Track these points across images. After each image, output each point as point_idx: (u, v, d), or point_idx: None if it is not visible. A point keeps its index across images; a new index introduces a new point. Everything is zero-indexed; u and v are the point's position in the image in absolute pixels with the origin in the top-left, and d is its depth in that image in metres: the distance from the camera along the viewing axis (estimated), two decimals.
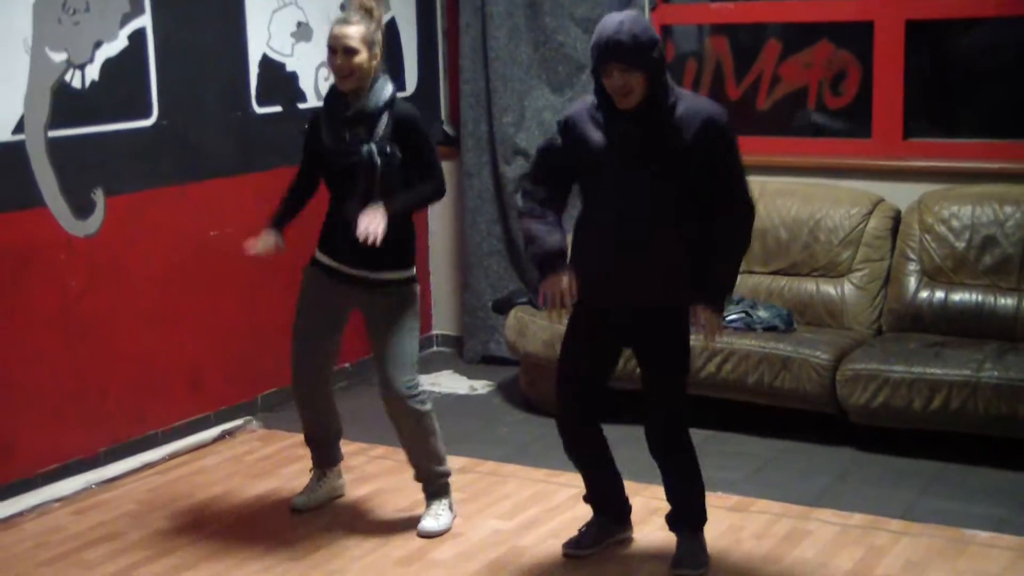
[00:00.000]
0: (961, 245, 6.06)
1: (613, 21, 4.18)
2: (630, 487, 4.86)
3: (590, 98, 4.37)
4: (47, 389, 5.46)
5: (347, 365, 6.78)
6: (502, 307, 6.65)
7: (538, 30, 7.02)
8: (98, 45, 5.59)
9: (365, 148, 4.75)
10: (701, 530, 4.66)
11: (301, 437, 5.31)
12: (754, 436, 5.93)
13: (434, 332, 7.68)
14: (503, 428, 6.28)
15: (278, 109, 6.48)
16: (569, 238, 4.48)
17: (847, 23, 6.70)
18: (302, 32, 6.59)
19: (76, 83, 5.50)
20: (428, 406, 4.97)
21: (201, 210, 6.10)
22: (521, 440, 6.07)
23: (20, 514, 5.25)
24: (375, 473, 5.63)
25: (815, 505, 5.18)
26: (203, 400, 6.18)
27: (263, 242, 5.03)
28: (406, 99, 6.84)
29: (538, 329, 6.24)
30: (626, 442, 4.93)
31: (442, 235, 7.54)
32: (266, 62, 6.42)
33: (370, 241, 4.64)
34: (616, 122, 4.26)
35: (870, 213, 6.30)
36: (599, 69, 4.18)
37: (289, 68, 6.56)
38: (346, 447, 5.42)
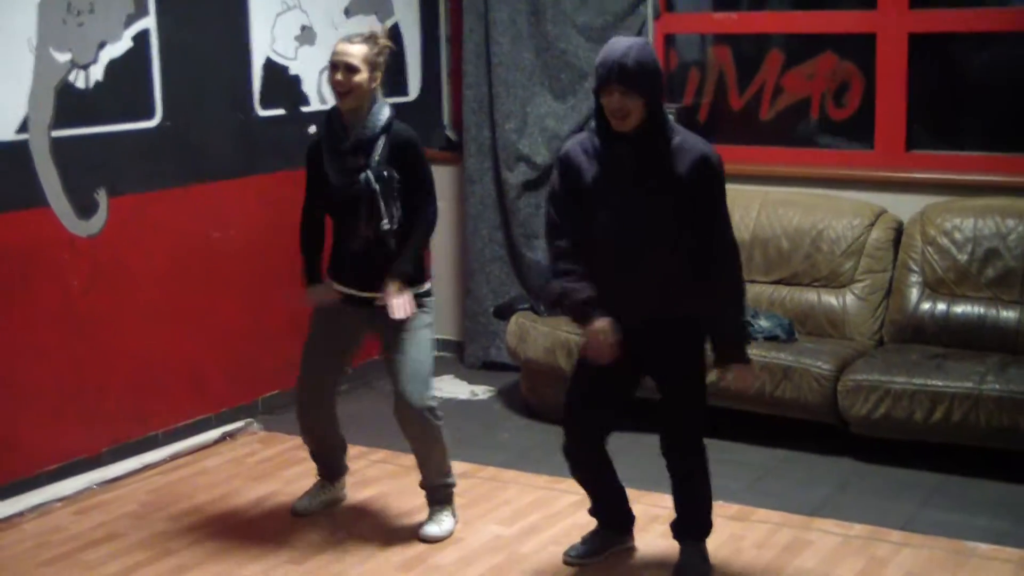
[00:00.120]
0: (963, 257, 6.06)
1: (622, 44, 4.24)
2: (632, 494, 4.86)
3: (584, 135, 4.42)
4: (49, 388, 5.46)
5: (348, 369, 6.75)
6: (503, 313, 6.65)
7: (541, 37, 7.02)
8: (102, 46, 5.58)
9: (363, 176, 4.76)
10: (704, 540, 4.66)
11: (301, 440, 5.30)
12: (755, 445, 5.92)
13: (435, 337, 7.65)
14: (504, 434, 6.28)
15: (281, 112, 6.48)
16: None
17: (850, 35, 6.72)
18: (306, 36, 6.59)
19: (80, 83, 5.50)
20: (441, 422, 4.98)
21: (204, 212, 6.10)
22: (522, 446, 6.07)
23: (21, 514, 5.25)
24: (376, 477, 5.63)
25: (816, 515, 5.18)
26: (204, 401, 6.17)
27: (315, 293, 5.01)
28: (409, 104, 6.88)
29: (539, 335, 6.24)
30: (630, 449, 4.93)
31: (444, 241, 7.53)
32: (269, 65, 6.42)
33: (407, 316, 4.75)
34: (612, 144, 4.30)
35: (872, 224, 6.31)
36: (601, 89, 4.23)
37: (292, 71, 6.56)
38: (348, 451, 5.41)
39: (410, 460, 5.43)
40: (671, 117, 4.38)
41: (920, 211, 6.26)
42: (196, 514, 5.28)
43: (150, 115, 5.84)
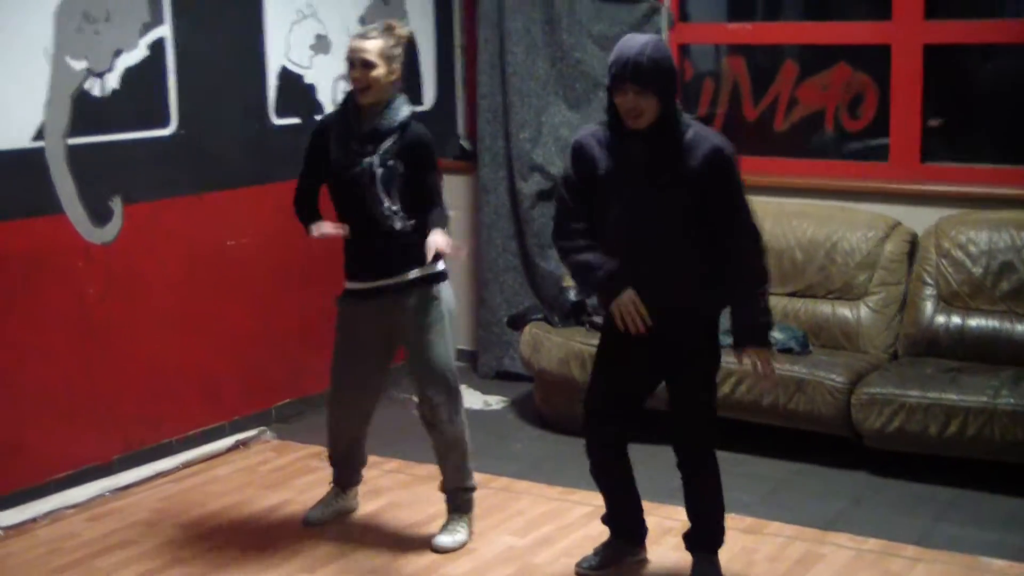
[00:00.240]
0: (978, 271, 6.05)
1: (636, 42, 4.21)
2: (645, 506, 4.84)
3: (598, 126, 4.40)
4: (63, 395, 5.46)
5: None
6: (517, 323, 6.64)
7: (556, 46, 7.03)
8: (118, 54, 5.60)
9: (367, 160, 4.76)
10: (716, 552, 4.65)
11: (315, 449, 5.33)
12: (768, 458, 5.91)
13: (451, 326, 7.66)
14: (517, 444, 6.27)
15: (296, 121, 6.48)
16: None
17: (865, 46, 6.71)
18: (321, 45, 6.60)
19: (96, 91, 5.51)
20: (462, 421, 4.98)
21: (218, 220, 6.10)
22: (535, 456, 6.07)
23: (34, 520, 5.25)
24: (388, 486, 5.62)
25: (829, 529, 5.17)
26: (218, 409, 6.18)
27: (319, 227, 4.92)
28: (424, 114, 6.87)
29: (553, 346, 6.24)
30: (644, 461, 4.91)
31: (463, 253, 7.53)
32: (285, 74, 6.43)
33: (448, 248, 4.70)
34: (624, 141, 4.29)
35: (887, 237, 6.29)
36: (614, 87, 4.21)
37: (307, 80, 6.57)
38: (364, 470, 5.41)
39: (423, 470, 5.45)
40: (684, 114, 4.32)
41: (935, 224, 6.24)
42: (208, 522, 5.28)
43: (165, 123, 5.85)
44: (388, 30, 4.82)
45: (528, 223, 7.13)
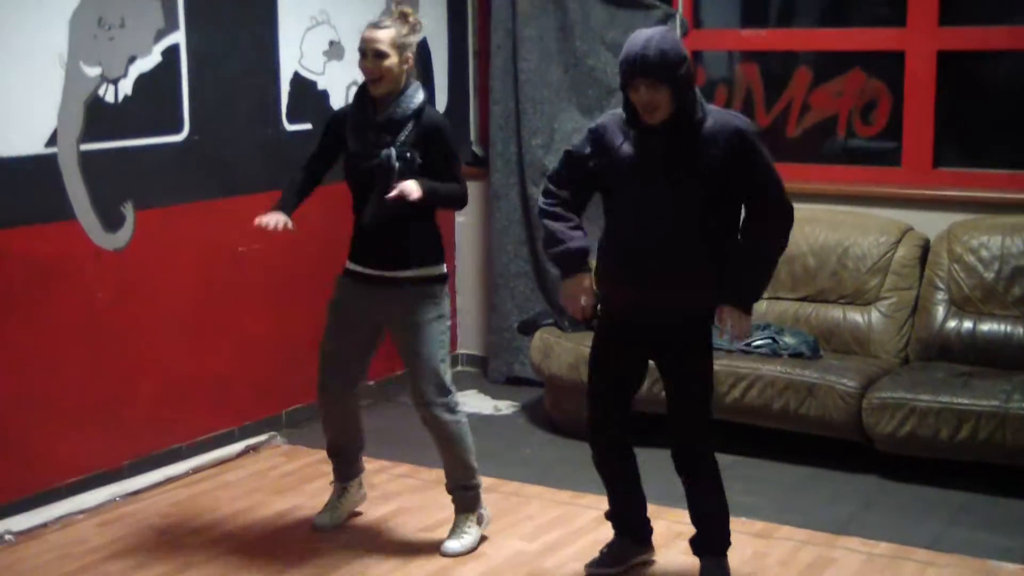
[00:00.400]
0: (990, 275, 6.04)
1: (642, 37, 4.20)
2: (654, 510, 4.85)
3: (620, 111, 4.38)
4: (74, 400, 5.48)
5: (371, 383, 6.78)
6: (528, 328, 6.65)
7: (569, 53, 7.04)
8: (132, 60, 5.61)
9: (384, 152, 4.75)
10: (725, 555, 4.64)
11: (325, 454, 5.31)
12: (779, 463, 5.91)
13: (459, 352, 7.69)
14: (527, 449, 6.27)
15: (308, 127, 6.49)
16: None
17: (878, 52, 6.70)
18: (334, 51, 6.61)
19: (109, 97, 5.53)
20: (457, 416, 4.96)
21: (230, 225, 6.11)
22: (545, 461, 6.06)
23: (44, 525, 5.25)
24: (397, 491, 5.62)
25: (840, 533, 5.16)
26: (228, 414, 6.19)
27: (272, 216, 4.92)
28: None
29: (563, 351, 6.24)
30: (652, 465, 4.91)
31: (469, 256, 7.56)
32: (297, 80, 6.45)
33: (399, 196, 4.65)
34: (643, 136, 4.28)
35: (898, 241, 6.29)
36: (626, 84, 4.20)
37: (320, 86, 6.58)
38: (369, 465, 5.42)
39: (432, 475, 5.45)
40: (702, 100, 4.28)
41: (947, 228, 6.24)
42: (218, 527, 5.28)
43: (178, 129, 5.87)
44: (401, 18, 4.81)
45: (539, 229, 7.07)
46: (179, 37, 5.81)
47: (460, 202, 5.00)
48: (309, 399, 6.25)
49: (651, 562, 4.85)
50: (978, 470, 5.58)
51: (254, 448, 6.19)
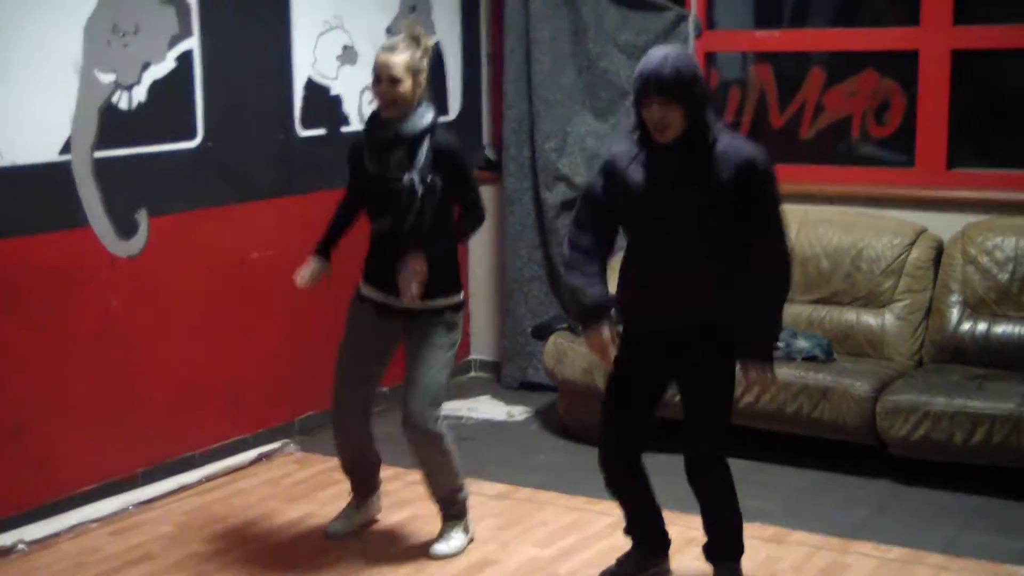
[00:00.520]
0: (1004, 277, 6.02)
1: (658, 55, 4.19)
2: (667, 516, 4.83)
3: (628, 142, 4.38)
4: (87, 408, 5.49)
5: (384, 389, 6.77)
6: (541, 333, 6.64)
7: (582, 56, 7.03)
8: (146, 67, 5.62)
9: (407, 177, 4.76)
10: (738, 561, 4.63)
11: (336, 461, 5.31)
12: (792, 467, 5.90)
13: (472, 357, 7.69)
14: (540, 455, 6.27)
15: (322, 132, 6.51)
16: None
17: (892, 52, 6.68)
18: (347, 56, 6.62)
19: (123, 104, 5.54)
20: (444, 432, 4.97)
21: (244, 232, 6.13)
22: (558, 467, 6.06)
23: (57, 534, 5.27)
24: (411, 499, 5.62)
25: (854, 537, 5.15)
26: (241, 422, 6.20)
27: (311, 272, 5.05)
28: (449, 124, 6.90)
29: (577, 356, 6.23)
30: (665, 471, 4.90)
31: (482, 260, 7.56)
32: (311, 85, 6.45)
33: (412, 298, 4.77)
34: (653, 155, 4.27)
35: (912, 243, 6.27)
36: (639, 100, 4.19)
37: (334, 92, 6.59)
38: (383, 472, 5.41)
39: None
40: (717, 123, 4.27)
41: (961, 230, 6.22)
42: (231, 535, 5.30)
43: (192, 135, 5.87)
44: (414, 41, 4.81)
45: (553, 233, 7.13)
46: (193, 43, 5.82)
47: (477, 224, 5.03)
48: (322, 406, 6.25)
49: (666, 571, 4.84)
50: (992, 474, 5.56)
51: (267, 456, 6.20)
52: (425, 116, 4.83)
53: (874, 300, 6.27)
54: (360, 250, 5.02)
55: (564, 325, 6.54)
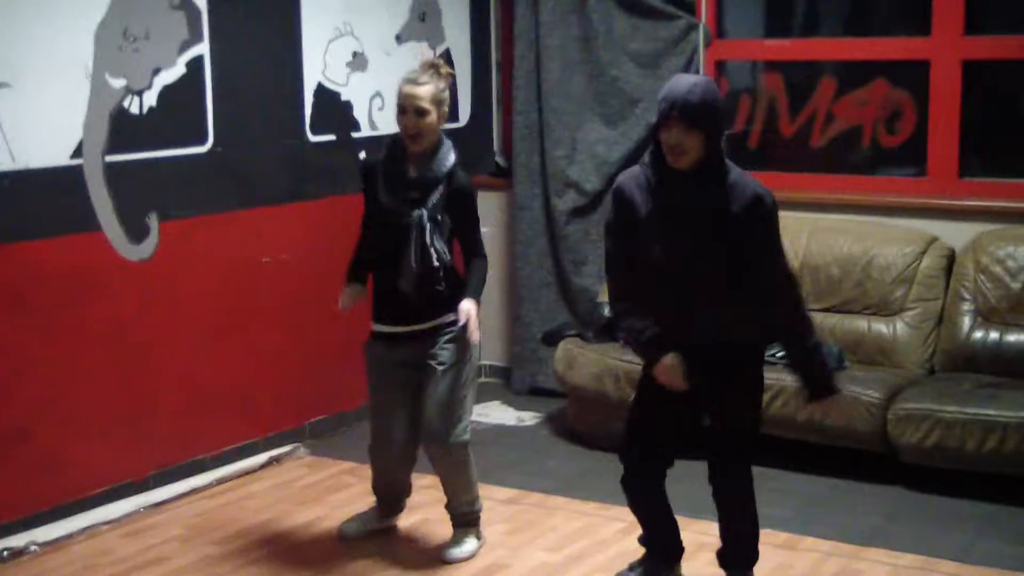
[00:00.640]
0: (1017, 286, 6.01)
1: (687, 80, 4.22)
2: (680, 521, 4.82)
3: (638, 169, 4.39)
4: (98, 412, 5.49)
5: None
6: (551, 339, 6.64)
7: (592, 63, 7.03)
8: (156, 72, 5.62)
9: (416, 214, 4.79)
10: (751, 569, 4.62)
11: (348, 465, 5.35)
12: (804, 474, 5.88)
13: (483, 363, 7.67)
14: (550, 460, 6.26)
15: (332, 138, 6.51)
16: None
17: (903, 62, 6.68)
18: (357, 62, 6.62)
19: (134, 109, 5.54)
20: (464, 448, 5.02)
21: (254, 237, 6.13)
22: (569, 472, 6.05)
23: (69, 536, 5.27)
24: (422, 503, 5.59)
25: (865, 544, 5.14)
26: (252, 426, 6.19)
27: (348, 296, 5.03)
28: (459, 130, 6.91)
29: (587, 362, 6.23)
30: (680, 476, 4.88)
31: (492, 267, 7.49)
32: (321, 91, 6.45)
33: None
34: (667, 181, 4.26)
35: (924, 252, 6.26)
36: (660, 123, 4.19)
37: (344, 97, 6.59)
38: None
39: None
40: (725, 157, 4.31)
41: (973, 239, 6.21)
42: (242, 538, 5.29)
43: (202, 140, 5.88)
44: (436, 72, 4.85)
45: (563, 240, 7.13)
46: (203, 49, 5.82)
47: (486, 267, 5.05)
48: (332, 410, 6.28)
49: None
50: (1005, 482, 5.54)
51: (277, 459, 6.20)
52: (448, 158, 4.86)
53: (885, 308, 6.26)
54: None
55: (574, 331, 6.54)
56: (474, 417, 6.72)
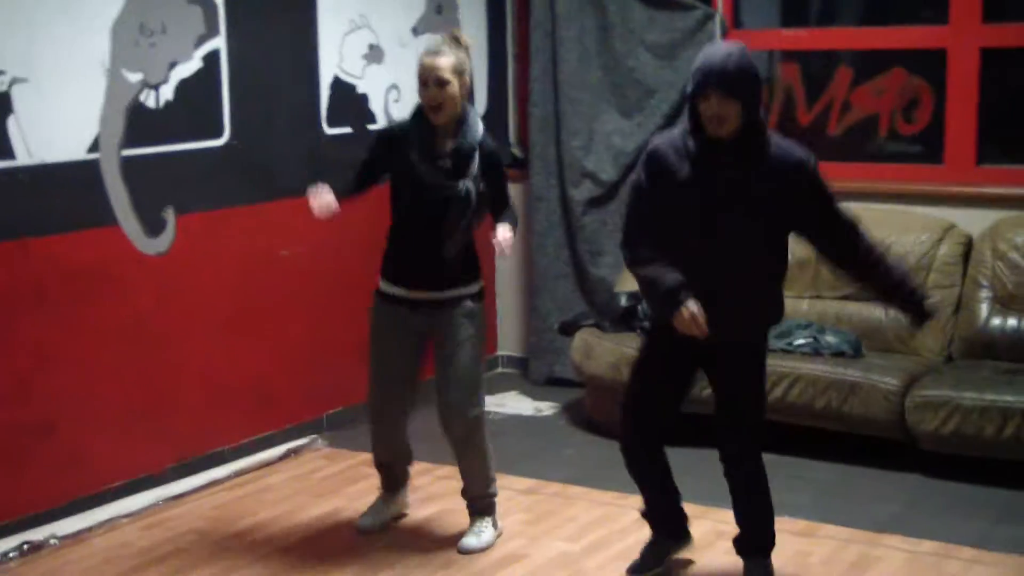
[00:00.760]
0: None
1: (723, 49, 4.22)
2: (697, 510, 4.84)
3: (676, 131, 4.35)
4: (117, 405, 5.51)
5: (420, 376, 6.79)
6: (568, 329, 6.64)
7: (608, 55, 7.03)
8: (173, 66, 5.64)
9: (462, 186, 4.79)
10: (769, 556, 4.61)
11: (367, 456, 5.33)
12: (822, 461, 5.88)
13: (500, 353, 7.69)
14: (568, 450, 6.27)
15: (348, 130, 6.52)
16: None
17: (920, 51, 6.66)
18: (373, 54, 6.63)
19: (151, 103, 5.56)
20: (482, 423, 5.03)
21: (271, 230, 6.14)
22: (587, 462, 6.05)
23: (89, 529, 5.29)
24: (440, 493, 5.62)
25: (884, 531, 5.13)
26: (270, 418, 6.21)
27: (322, 202, 4.92)
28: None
29: (604, 351, 6.23)
30: (695, 465, 4.90)
31: (509, 258, 7.53)
32: (337, 83, 6.47)
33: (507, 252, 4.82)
34: (707, 151, 4.23)
35: (941, 239, 6.25)
36: (698, 93, 4.16)
37: (360, 90, 6.60)
38: (412, 467, 5.41)
39: None
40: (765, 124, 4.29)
41: (990, 226, 6.20)
42: (261, 531, 5.30)
43: (218, 134, 5.89)
44: (456, 43, 4.84)
45: (579, 230, 7.14)
46: (219, 42, 5.84)
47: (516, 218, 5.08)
48: (350, 402, 6.28)
49: (690, 561, 4.83)
50: (1023, 468, 5.53)
51: (295, 451, 6.21)
52: (477, 127, 4.86)
53: None
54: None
55: (591, 321, 6.54)
56: (492, 407, 6.81)
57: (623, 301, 6.35)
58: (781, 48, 7.12)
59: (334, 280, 6.40)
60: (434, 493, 5.63)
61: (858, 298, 6.31)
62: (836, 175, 6.59)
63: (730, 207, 4.24)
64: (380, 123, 6.63)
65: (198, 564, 4.98)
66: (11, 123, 5.03)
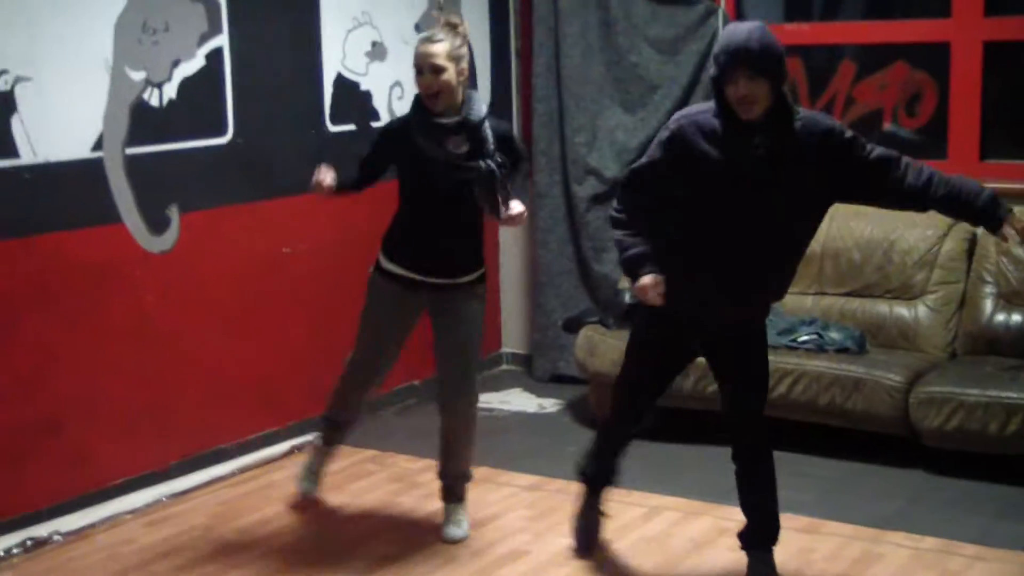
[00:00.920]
0: None
1: (743, 29, 4.11)
2: (700, 507, 4.85)
3: (700, 111, 4.28)
4: (121, 402, 5.52)
5: (416, 383, 6.80)
6: (572, 326, 6.64)
7: (611, 50, 7.03)
8: (176, 64, 5.64)
9: (484, 164, 4.77)
10: (771, 550, 4.62)
11: (370, 453, 5.36)
12: (825, 458, 5.87)
13: (504, 350, 7.69)
14: (572, 447, 6.23)
15: (352, 128, 6.52)
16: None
17: (923, 44, 6.65)
18: (376, 52, 6.63)
19: (154, 101, 5.56)
20: (474, 411, 5.10)
21: (274, 227, 6.15)
22: None
23: (92, 525, 5.30)
24: None
25: (887, 528, 5.13)
26: (273, 415, 6.22)
27: (326, 181, 4.96)
28: None
29: (608, 348, 6.23)
30: (697, 462, 4.91)
31: (513, 254, 7.55)
32: (340, 81, 6.47)
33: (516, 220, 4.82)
34: (737, 134, 4.15)
35: (945, 235, 6.24)
36: (723, 77, 4.08)
37: (363, 87, 6.60)
38: (415, 464, 5.46)
39: (478, 474, 5.43)
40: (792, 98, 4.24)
41: None
42: (264, 527, 5.31)
43: (222, 132, 5.90)
44: (452, 29, 4.81)
45: (583, 227, 7.13)
46: (222, 40, 5.84)
47: (526, 164, 5.13)
48: None
49: (693, 558, 4.84)
50: None
51: (299, 448, 6.21)
52: (481, 103, 4.87)
53: (907, 292, 6.24)
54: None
55: (595, 318, 6.54)
56: (496, 404, 6.82)
57: (627, 298, 6.34)
58: (783, 42, 7.06)
59: (338, 277, 6.40)
60: (436, 490, 5.61)
61: (862, 294, 6.32)
62: None
63: (763, 190, 4.17)
64: (383, 121, 6.62)
65: (201, 560, 4.99)
66: (15, 122, 5.04)
